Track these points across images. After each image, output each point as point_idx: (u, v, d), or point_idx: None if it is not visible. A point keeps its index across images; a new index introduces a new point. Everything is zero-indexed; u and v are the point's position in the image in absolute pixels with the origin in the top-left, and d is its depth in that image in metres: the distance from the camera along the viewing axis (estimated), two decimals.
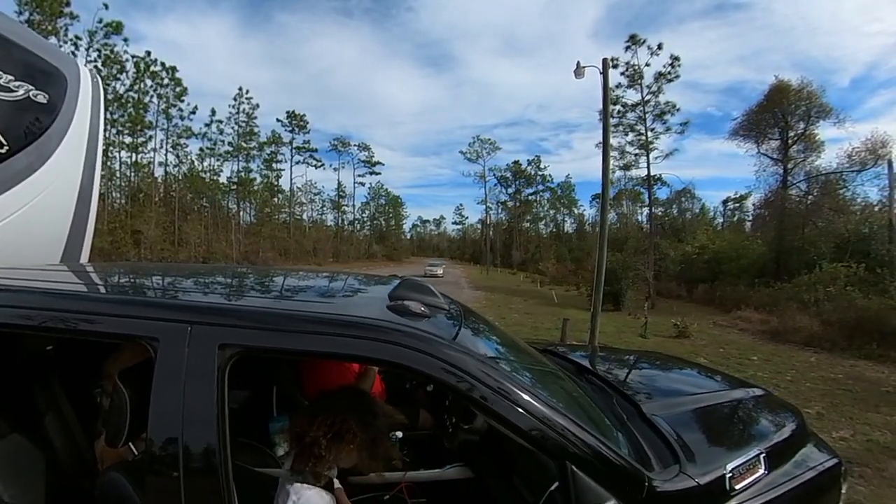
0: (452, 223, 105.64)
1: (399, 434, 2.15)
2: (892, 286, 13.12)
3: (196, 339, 1.23)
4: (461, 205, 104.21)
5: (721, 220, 46.69)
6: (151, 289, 1.92)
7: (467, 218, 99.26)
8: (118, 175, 41.66)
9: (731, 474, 1.49)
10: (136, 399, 1.22)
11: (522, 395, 1.30)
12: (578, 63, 9.78)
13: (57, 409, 1.77)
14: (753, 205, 32.86)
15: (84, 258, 2.89)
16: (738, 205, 43.62)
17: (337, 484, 1.55)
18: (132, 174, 42.92)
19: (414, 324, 1.36)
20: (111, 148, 39.33)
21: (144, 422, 1.20)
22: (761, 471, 1.59)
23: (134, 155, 42.13)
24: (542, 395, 1.39)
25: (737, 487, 1.49)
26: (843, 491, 1.87)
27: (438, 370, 1.26)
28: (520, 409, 1.27)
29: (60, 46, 32.05)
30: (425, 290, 1.64)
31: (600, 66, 9.59)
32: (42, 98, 2.42)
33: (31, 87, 2.35)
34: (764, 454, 1.63)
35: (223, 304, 1.54)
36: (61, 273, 1.96)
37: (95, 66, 35.72)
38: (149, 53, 41.22)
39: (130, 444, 1.36)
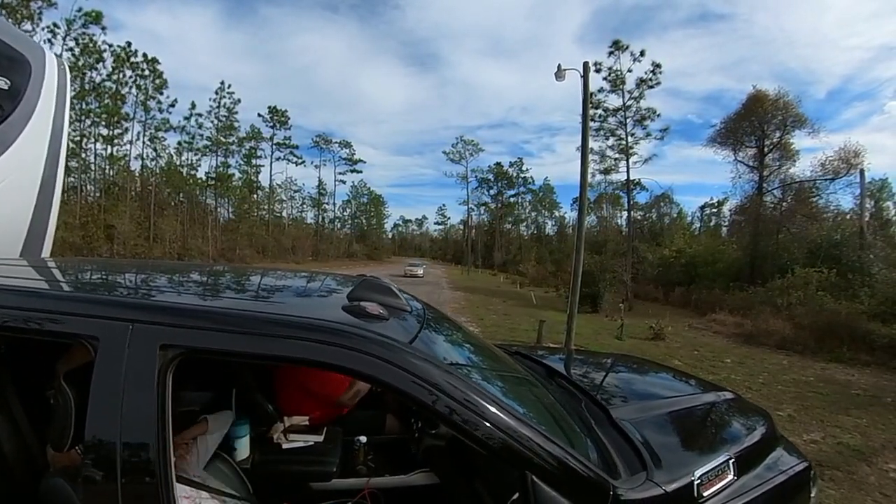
0: (435, 223, 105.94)
1: (363, 439, 2.07)
2: (862, 291, 13.47)
3: (137, 339, 1.15)
4: (444, 205, 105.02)
5: (698, 225, 47.82)
6: (94, 285, 1.80)
7: (449, 218, 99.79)
8: (93, 168, 40.39)
9: (699, 481, 1.46)
10: (80, 401, 1.15)
11: (482, 402, 1.23)
12: (559, 66, 9.78)
13: (8, 411, 1.64)
14: (730, 210, 33.73)
15: (46, 252, 2.75)
16: (715, 210, 44.75)
17: None
18: (107, 167, 41.60)
19: (369, 326, 1.28)
20: (86, 139, 38.28)
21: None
22: (730, 476, 1.56)
23: (110, 147, 40.83)
24: (504, 402, 1.31)
25: (705, 494, 1.46)
26: (813, 495, 1.85)
27: (391, 375, 1.18)
28: (478, 418, 1.20)
29: (35, 31, 31.24)
30: (386, 291, 1.57)
31: (581, 70, 9.61)
32: (3, 84, 2.34)
33: None
34: (733, 459, 1.60)
35: (166, 303, 1.43)
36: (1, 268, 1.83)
37: (71, 53, 34.83)
38: (129, 44, 39.99)
39: (78, 448, 1.25)
